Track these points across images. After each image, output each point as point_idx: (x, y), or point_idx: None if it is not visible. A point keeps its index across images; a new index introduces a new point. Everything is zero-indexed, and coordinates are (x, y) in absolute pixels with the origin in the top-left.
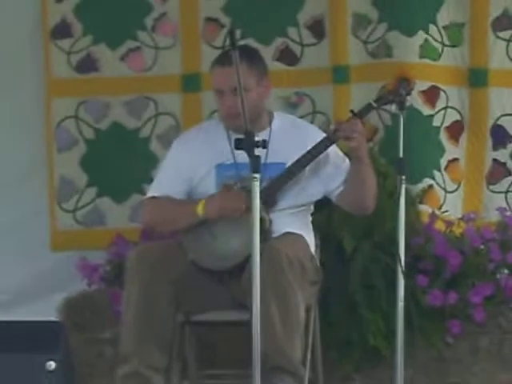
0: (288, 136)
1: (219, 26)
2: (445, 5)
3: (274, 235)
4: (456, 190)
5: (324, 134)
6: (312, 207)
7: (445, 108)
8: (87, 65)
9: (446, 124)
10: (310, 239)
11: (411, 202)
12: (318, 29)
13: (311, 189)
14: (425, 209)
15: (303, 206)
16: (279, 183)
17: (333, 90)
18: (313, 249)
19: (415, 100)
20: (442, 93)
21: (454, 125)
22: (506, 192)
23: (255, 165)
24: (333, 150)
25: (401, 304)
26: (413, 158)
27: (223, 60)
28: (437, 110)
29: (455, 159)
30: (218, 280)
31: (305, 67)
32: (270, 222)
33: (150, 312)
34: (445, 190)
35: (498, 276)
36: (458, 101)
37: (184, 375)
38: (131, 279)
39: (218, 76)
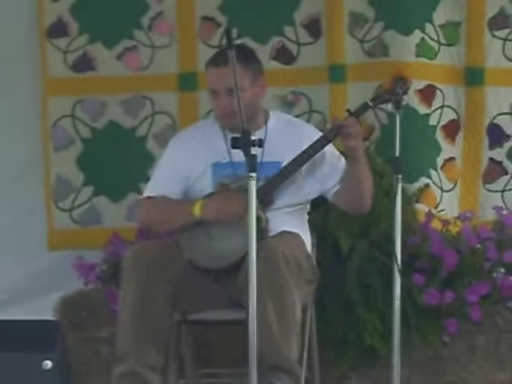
0: (284, 135)
1: (215, 25)
2: (441, 4)
3: (271, 234)
4: (452, 188)
5: (320, 133)
6: (308, 206)
7: (441, 107)
8: (83, 64)
9: (443, 123)
10: (307, 238)
11: (408, 201)
12: (314, 28)
13: (307, 188)
14: (421, 208)
15: (300, 204)
16: (275, 182)
17: (329, 89)
18: (309, 248)
19: (411, 99)
20: (438, 92)
21: (451, 124)
22: (503, 191)
23: (251, 164)
24: (329, 149)
25: (397, 303)
26: (409, 157)
27: (218, 60)
28: (433, 108)
29: (451, 158)
30: (215, 279)
31: (301, 66)
32: (267, 220)
33: (146, 311)
34: (441, 189)
35: (495, 275)
36: (455, 100)
37: (181, 374)
38: (127, 278)
39: (213, 76)
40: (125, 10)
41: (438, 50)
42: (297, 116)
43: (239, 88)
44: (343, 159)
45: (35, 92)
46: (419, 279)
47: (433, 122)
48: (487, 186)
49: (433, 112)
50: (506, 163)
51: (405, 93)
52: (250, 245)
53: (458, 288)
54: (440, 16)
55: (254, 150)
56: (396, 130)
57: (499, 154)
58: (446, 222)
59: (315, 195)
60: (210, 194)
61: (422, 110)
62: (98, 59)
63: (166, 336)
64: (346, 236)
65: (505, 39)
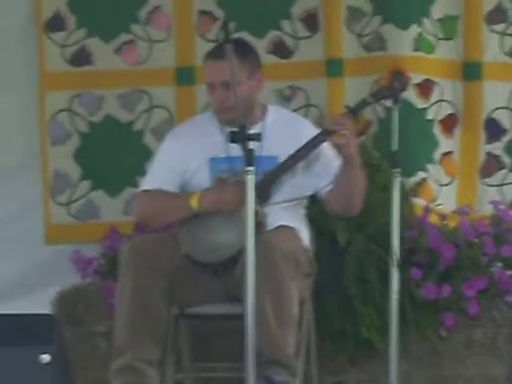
0: (282, 130)
1: (213, 19)
2: None
3: (268, 228)
4: (450, 183)
5: (318, 130)
6: (306, 201)
7: (439, 101)
8: (81, 58)
9: (440, 117)
10: (304, 232)
11: (405, 195)
12: (311, 22)
13: (303, 184)
14: (419, 202)
15: (297, 200)
16: (273, 177)
17: (327, 84)
18: (306, 242)
19: (409, 93)
20: (435, 86)
21: (448, 118)
22: (500, 185)
23: (249, 158)
24: (326, 148)
25: (394, 297)
26: (407, 151)
27: (215, 54)
28: (431, 103)
29: (449, 152)
30: (212, 273)
31: (298, 60)
32: (264, 215)
33: (143, 305)
34: (439, 183)
35: (492, 269)
36: (452, 94)
37: (178, 368)
38: (125, 272)
39: (210, 70)
40: (122, 4)
41: (436, 44)
42: (294, 110)
43: (236, 81)
44: (339, 160)
45: (33, 86)
46: (416, 273)
47: (430, 116)
48: (485, 180)
49: (430, 106)
50: (504, 157)
51: (404, 89)
52: (248, 239)
53: (456, 282)
54: (437, 10)
55: (252, 145)
56: (393, 125)
57: (497, 148)
58: (443, 217)
59: (310, 192)
60: (208, 189)
61: (420, 104)
62: (95, 53)
63: (163, 330)
64: (344, 230)
65: (502, 33)
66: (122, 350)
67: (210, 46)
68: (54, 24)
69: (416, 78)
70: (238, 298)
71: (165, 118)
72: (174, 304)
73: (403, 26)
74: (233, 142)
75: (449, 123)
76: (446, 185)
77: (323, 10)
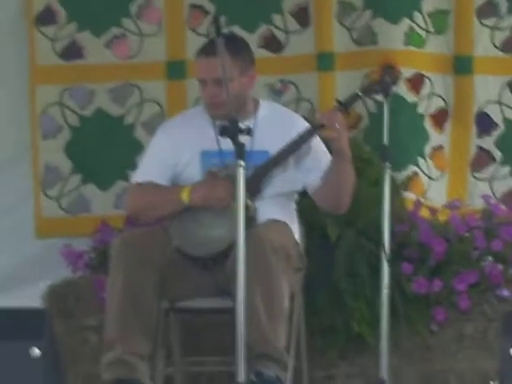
0: (273, 125)
1: (204, 13)
2: None
3: (258, 223)
4: (441, 177)
5: (308, 124)
6: (296, 195)
7: (429, 95)
8: (72, 52)
9: (431, 111)
10: (294, 226)
11: (396, 190)
12: (302, 16)
13: (294, 178)
14: (409, 196)
15: (287, 194)
16: (263, 171)
17: (317, 78)
18: (297, 236)
19: (400, 87)
20: (426, 80)
21: (439, 112)
22: (491, 179)
23: (240, 152)
24: (316, 143)
25: (385, 291)
26: (397, 145)
27: (207, 50)
28: (421, 97)
29: (440, 146)
30: (203, 267)
31: (289, 54)
32: (255, 209)
33: (134, 299)
34: (429, 177)
35: (483, 264)
36: (443, 88)
37: (168, 362)
38: (115, 266)
39: (201, 66)
40: None
41: (427, 38)
42: (285, 104)
43: (227, 78)
44: (329, 156)
45: (23, 80)
46: (407, 268)
47: (421, 110)
48: (475, 174)
49: (421, 100)
50: (494, 151)
51: (395, 83)
52: (239, 233)
53: (446, 276)
54: (428, 4)
55: (243, 139)
56: (384, 118)
57: (487, 142)
58: (434, 211)
59: (300, 186)
60: (199, 183)
61: (411, 98)
62: (86, 47)
63: (153, 324)
64: (334, 225)
65: (493, 27)
66: (113, 344)
67: (201, 39)
68: (45, 18)
69: (407, 72)
70: (228, 292)
71: (156, 112)
72: (165, 298)
73: (394, 20)
74: (223, 135)
75: (440, 117)
76: (437, 179)
77: (314, 3)
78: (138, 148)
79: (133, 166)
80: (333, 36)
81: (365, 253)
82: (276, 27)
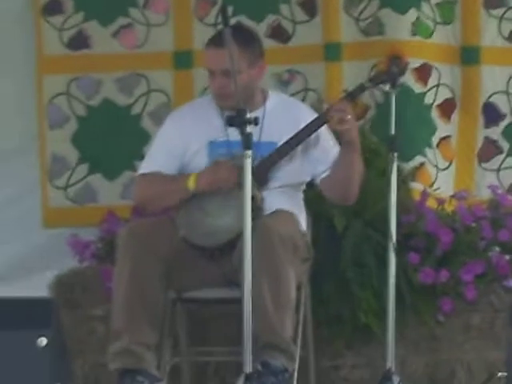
0: (282, 116)
1: (211, 3)
2: None
3: (266, 213)
4: (448, 167)
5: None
6: (304, 185)
7: (437, 85)
8: (79, 42)
9: (438, 101)
10: (302, 217)
11: (403, 180)
12: (310, 6)
13: (301, 169)
14: (416, 186)
15: (294, 185)
16: (270, 162)
17: (325, 68)
18: (304, 226)
19: (407, 78)
20: (434, 70)
21: (446, 102)
22: (498, 170)
23: (247, 142)
24: (325, 134)
25: (392, 281)
26: (404, 135)
27: (216, 40)
28: (429, 87)
29: (447, 137)
30: (210, 257)
31: (297, 44)
32: (262, 199)
33: (140, 289)
34: (436, 167)
35: (490, 254)
36: (450, 78)
37: (175, 352)
38: (122, 256)
39: (210, 57)
40: None
41: (434, 28)
42: (292, 94)
43: (236, 69)
44: (337, 147)
45: (30, 70)
46: (414, 258)
47: (428, 100)
48: (483, 164)
49: (428, 90)
50: (502, 142)
51: (402, 73)
52: (246, 223)
53: (453, 267)
54: None
55: (251, 129)
56: (391, 109)
57: (495, 132)
58: (441, 201)
59: (308, 177)
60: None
61: (418, 88)
62: (93, 37)
63: (160, 314)
64: (341, 215)
65: (501, 18)
66: (120, 334)
67: (209, 29)
68: (52, 7)
69: (414, 62)
70: (235, 282)
71: (163, 102)
72: (172, 288)
73: (401, 10)
74: (230, 125)
75: (447, 108)
76: (444, 169)
77: None
78: (145, 138)
79: (140, 156)
80: (340, 26)
81: (372, 243)
82: (283, 17)
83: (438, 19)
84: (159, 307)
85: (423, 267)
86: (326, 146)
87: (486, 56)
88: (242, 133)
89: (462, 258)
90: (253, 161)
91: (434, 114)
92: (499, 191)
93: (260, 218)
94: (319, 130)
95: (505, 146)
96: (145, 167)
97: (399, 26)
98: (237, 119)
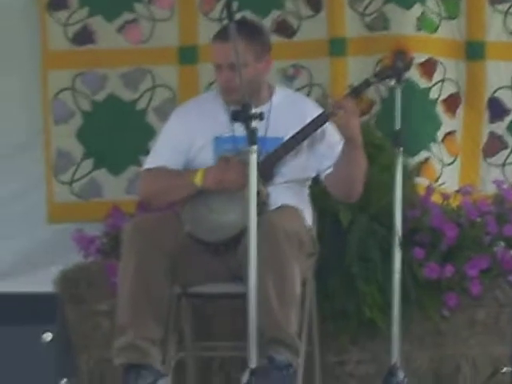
0: (288, 111)
1: None
2: None
3: (271, 208)
4: (453, 162)
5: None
6: (309, 181)
7: (442, 80)
8: (84, 37)
9: (443, 97)
10: (307, 212)
11: (408, 175)
12: (314, 1)
13: (307, 165)
14: (421, 181)
15: (300, 181)
16: (276, 157)
17: (330, 63)
18: (309, 221)
19: (412, 73)
20: (439, 65)
21: (451, 97)
22: (503, 165)
23: (252, 137)
24: (330, 130)
25: (397, 276)
26: (409, 130)
27: (222, 34)
28: (434, 82)
29: (452, 132)
30: (214, 252)
31: (302, 39)
32: (267, 194)
33: (146, 284)
34: (441, 162)
35: (495, 249)
36: (455, 73)
37: (180, 347)
38: (127, 251)
39: (217, 50)
40: None
41: (439, 23)
42: (297, 89)
43: (242, 63)
44: (342, 143)
45: (35, 65)
46: (419, 253)
47: (433, 95)
48: (488, 159)
49: (433, 86)
50: (507, 137)
51: (407, 68)
52: (251, 218)
53: (458, 262)
54: None
55: (256, 124)
56: (396, 104)
57: (500, 127)
58: (446, 196)
59: (313, 173)
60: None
61: (423, 83)
62: (98, 32)
63: (165, 309)
64: (346, 210)
65: (506, 13)
66: (125, 329)
67: (214, 25)
68: (57, 3)
69: (419, 57)
70: (240, 277)
71: (168, 97)
72: (176, 283)
73: (406, 5)
74: (235, 120)
75: (452, 103)
76: (449, 164)
77: None
78: (149, 133)
79: (145, 151)
80: (345, 21)
81: (377, 238)
82: (288, 12)
83: (443, 14)
84: (164, 302)
85: (428, 262)
86: (332, 140)
87: (490, 51)
88: (246, 128)
89: (467, 252)
90: (258, 156)
91: (439, 109)
92: (504, 186)
93: (265, 213)
94: (325, 125)
95: (510, 140)
96: (150, 162)
97: (404, 21)
98: (242, 114)
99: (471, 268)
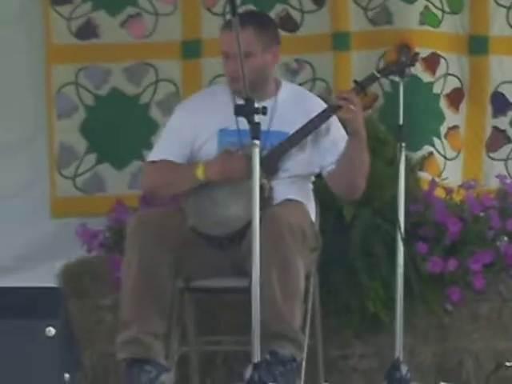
0: (294, 106)
1: None
2: None
3: (275, 202)
4: (456, 157)
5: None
6: (313, 177)
7: (445, 75)
8: (87, 31)
9: (446, 91)
10: (311, 206)
11: (411, 169)
12: None
13: (311, 160)
14: (425, 176)
15: (304, 175)
16: (280, 151)
17: (333, 57)
18: (313, 216)
19: (415, 67)
20: (442, 60)
21: (454, 92)
22: (506, 159)
23: (255, 131)
24: (335, 125)
25: (400, 271)
26: (413, 125)
27: (231, 24)
28: (437, 77)
29: (455, 126)
30: (218, 246)
31: (305, 34)
32: (271, 189)
33: (149, 278)
34: (445, 157)
35: (498, 243)
36: (458, 68)
37: (183, 341)
38: (131, 246)
39: (225, 39)
40: None
41: (442, 17)
42: (300, 84)
43: (250, 53)
44: (346, 140)
45: (38, 59)
46: (422, 247)
47: (436, 90)
48: (491, 154)
49: (436, 80)
50: (510, 131)
51: (412, 64)
52: (254, 213)
53: (462, 256)
54: None
55: (259, 118)
56: (400, 98)
57: (503, 122)
58: (449, 190)
59: (317, 169)
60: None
61: (426, 78)
62: (101, 26)
63: (168, 303)
64: (349, 204)
65: (509, 7)
66: (128, 323)
67: (217, 19)
68: None
69: (422, 51)
70: (244, 271)
71: (171, 92)
72: (180, 277)
73: None
74: (238, 115)
75: (455, 97)
76: (452, 159)
77: None
78: (153, 127)
79: (148, 146)
80: (348, 16)
81: (380, 232)
82: (292, 7)
83: (447, 9)
84: (167, 297)
85: (431, 256)
86: (337, 136)
87: (494, 45)
88: (249, 122)
89: (471, 247)
90: (262, 150)
91: (443, 103)
92: (507, 181)
93: (269, 207)
94: (330, 121)
95: None
96: (154, 155)
97: (407, 16)
98: (245, 108)
99: (474, 262)
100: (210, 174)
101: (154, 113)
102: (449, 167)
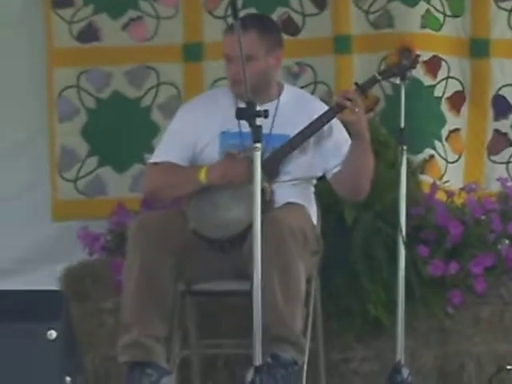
0: (296, 109)
1: None
2: None
3: (276, 206)
4: (457, 160)
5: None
6: (315, 180)
7: (446, 78)
8: (89, 34)
9: (448, 94)
10: (312, 210)
11: (412, 172)
12: None
13: (313, 163)
14: (426, 179)
15: (306, 178)
16: (281, 154)
17: (334, 60)
18: (315, 219)
19: (417, 70)
20: (443, 63)
21: (456, 95)
22: (507, 162)
23: (256, 134)
24: (338, 128)
25: (402, 274)
26: (414, 128)
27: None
28: (438, 80)
29: (456, 130)
30: (220, 249)
31: (306, 37)
32: (272, 192)
33: (150, 282)
34: (446, 160)
35: (499, 247)
36: (460, 71)
37: (185, 344)
38: (132, 249)
39: (228, 42)
40: None
41: (444, 21)
42: (302, 87)
43: (252, 56)
44: (350, 143)
45: (40, 62)
46: (424, 250)
47: (438, 93)
48: (492, 157)
49: (438, 83)
50: (511, 134)
51: (413, 66)
52: (256, 216)
53: (463, 259)
54: None
55: (261, 121)
56: (401, 101)
57: (504, 125)
58: (450, 194)
59: (320, 172)
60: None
61: (427, 81)
62: (103, 30)
63: (170, 306)
64: (351, 207)
65: (510, 11)
66: (129, 327)
67: (218, 22)
68: (62, 0)
69: (423, 55)
70: (245, 274)
71: (172, 95)
72: (181, 280)
73: (411, 3)
74: (240, 118)
75: (456, 100)
76: (453, 162)
77: None
78: (154, 130)
79: (149, 149)
80: (350, 19)
81: (381, 236)
82: (293, 10)
83: (448, 12)
84: (169, 300)
85: (433, 260)
86: (340, 139)
87: (495, 49)
88: (251, 125)
89: (472, 250)
90: (264, 153)
91: (444, 106)
92: (508, 184)
93: (271, 210)
94: (333, 124)
95: None
96: (156, 157)
97: (409, 19)
98: (246, 112)
99: (476, 266)
100: (212, 177)
101: (156, 116)
102: (450, 170)
